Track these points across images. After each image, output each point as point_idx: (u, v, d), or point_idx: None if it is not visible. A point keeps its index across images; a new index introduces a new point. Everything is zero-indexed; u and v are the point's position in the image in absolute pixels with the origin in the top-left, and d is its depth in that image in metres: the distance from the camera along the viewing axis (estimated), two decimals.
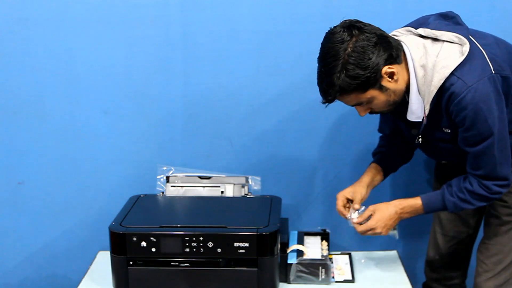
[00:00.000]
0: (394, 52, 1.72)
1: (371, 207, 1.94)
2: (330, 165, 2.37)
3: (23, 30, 2.21)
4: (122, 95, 2.28)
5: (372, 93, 1.73)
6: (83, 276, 2.09)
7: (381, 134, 2.13)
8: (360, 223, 1.94)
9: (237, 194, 2.19)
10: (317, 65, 1.74)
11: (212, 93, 2.28)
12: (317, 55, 1.74)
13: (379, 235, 1.92)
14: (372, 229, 1.91)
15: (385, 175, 2.07)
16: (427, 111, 1.77)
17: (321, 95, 1.76)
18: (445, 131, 1.82)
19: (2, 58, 2.24)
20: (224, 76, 2.27)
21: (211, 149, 2.34)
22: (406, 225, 2.33)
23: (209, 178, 2.21)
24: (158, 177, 2.22)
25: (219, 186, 2.20)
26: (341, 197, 2.00)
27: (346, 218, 1.99)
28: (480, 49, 1.76)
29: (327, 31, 1.74)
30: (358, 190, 2.00)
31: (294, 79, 2.27)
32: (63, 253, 2.42)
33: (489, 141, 1.74)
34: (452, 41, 1.74)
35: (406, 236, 2.36)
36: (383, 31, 1.74)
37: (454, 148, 1.85)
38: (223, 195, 2.19)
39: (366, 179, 2.02)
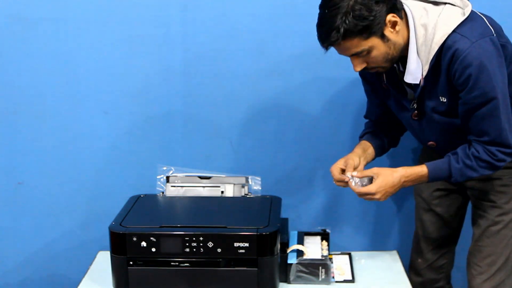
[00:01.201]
0: (398, 4, 1.72)
1: (374, 169, 1.85)
2: (330, 165, 2.36)
3: (23, 30, 2.21)
4: (122, 95, 2.28)
5: (374, 41, 1.71)
6: (83, 276, 2.09)
7: (367, 120, 2.09)
8: (361, 185, 1.83)
9: (237, 194, 2.19)
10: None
11: (212, 93, 2.28)
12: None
13: (377, 201, 1.84)
14: (371, 194, 1.82)
15: (376, 152, 2.01)
16: (425, 72, 1.75)
17: (321, 39, 1.72)
18: (441, 100, 1.79)
19: (2, 58, 2.24)
20: (224, 76, 2.27)
21: (211, 149, 2.34)
22: (407, 225, 2.32)
23: (209, 178, 2.21)
24: (158, 177, 2.22)
25: (219, 186, 2.20)
26: (335, 169, 1.91)
27: (345, 182, 1.88)
28: (480, 15, 1.76)
29: None
30: (351, 157, 1.93)
31: (294, 79, 2.27)
32: (63, 253, 2.42)
33: (494, 103, 1.71)
34: (454, 3, 1.73)
35: (406, 236, 2.35)
36: None
37: (448, 123, 1.82)
38: (223, 195, 2.19)
39: (357, 150, 1.97)
